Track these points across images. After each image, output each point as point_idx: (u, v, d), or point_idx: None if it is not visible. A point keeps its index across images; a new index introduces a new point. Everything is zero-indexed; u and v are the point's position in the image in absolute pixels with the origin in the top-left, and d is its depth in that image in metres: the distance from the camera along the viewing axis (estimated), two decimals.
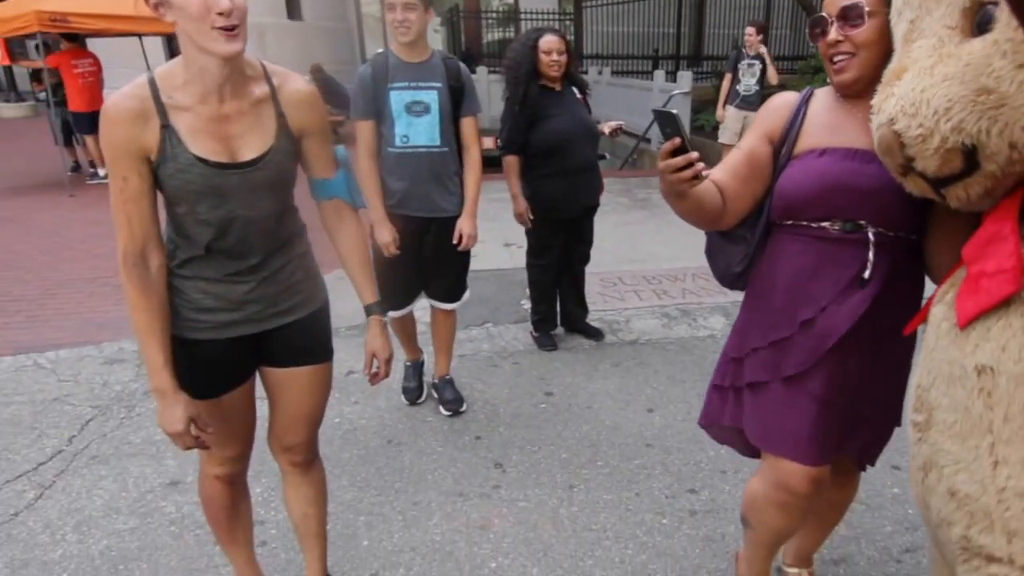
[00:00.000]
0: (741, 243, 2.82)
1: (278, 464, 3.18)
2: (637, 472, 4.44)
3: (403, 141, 4.56)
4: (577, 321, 6.65)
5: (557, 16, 23.15)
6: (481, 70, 18.91)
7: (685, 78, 14.97)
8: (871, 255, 2.53)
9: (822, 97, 2.70)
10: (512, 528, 3.95)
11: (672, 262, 8.42)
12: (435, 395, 5.38)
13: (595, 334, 6.57)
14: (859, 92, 2.50)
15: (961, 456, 1.91)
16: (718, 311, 6.99)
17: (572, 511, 4.09)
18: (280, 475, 3.20)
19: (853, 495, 3.20)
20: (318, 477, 3.24)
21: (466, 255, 5.12)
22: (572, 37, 23.63)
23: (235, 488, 3.13)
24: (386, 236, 4.49)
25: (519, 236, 9.65)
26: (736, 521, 3.88)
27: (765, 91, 11.49)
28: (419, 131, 4.59)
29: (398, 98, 4.52)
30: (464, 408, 5.22)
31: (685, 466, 4.48)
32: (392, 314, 4.86)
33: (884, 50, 2.36)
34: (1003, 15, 1.70)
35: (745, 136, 2.77)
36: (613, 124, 6.19)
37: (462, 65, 4.89)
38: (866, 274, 2.54)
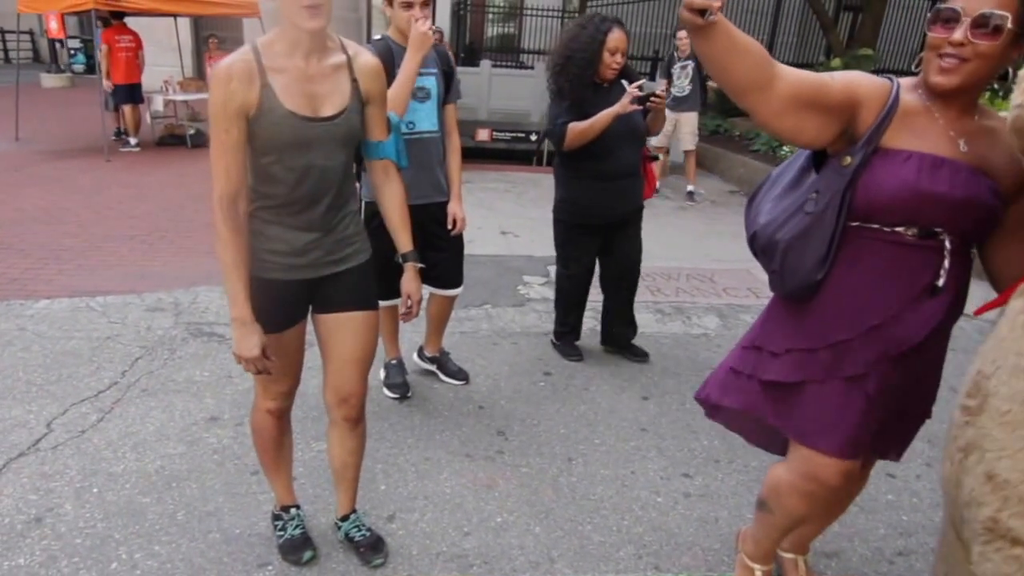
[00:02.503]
0: (820, 250, 2.61)
1: (331, 417, 3.45)
2: (633, 453, 4.63)
3: (409, 127, 4.48)
4: (621, 339, 6.03)
5: (561, 13, 23.16)
6: (484, 63, 18.97)
7: None
8: (947, 263, 2.53)
9: (906, 92, 2.55)
10: (516, 490, 4.16)
11: (667, 261, 8.53)
12: (431, 368, 5.50)
13: (641, 355, 5.97)
14: (949, 95, 2.46)
15: (1007, 444, 1.97)
16: (712, 311, 7.17)
17: (571, 480, 4.29)
18: (304, 422, 3.39)
19: (863, 487, 3.30)
20: (362, 432, 3.52)
21: (461, 238, 5.07)
22: None
23: (282, 422, 3.48)
24: None
25: (515, 225, 9.91)
26: (730, 507, 4.09)
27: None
28: (422, 117, 4.59)
29: None
30: (469, 379, 5.44)
31: (679, 452, 4.66)
32: (387, 303, 4.64)
33: (995, 67, 2.36)
34: None
35: (833, 74, 2.58)
36: (635, 91, 5.07)
37: (448, 52, 4.90)
38: (940, 282, 2.54)
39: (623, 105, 4.99)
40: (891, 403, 2.76)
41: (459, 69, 5.03)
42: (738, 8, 22.30)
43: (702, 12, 2.20)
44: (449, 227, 4.87)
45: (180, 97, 15.65)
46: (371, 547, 3.55)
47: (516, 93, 18.67)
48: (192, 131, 15.12)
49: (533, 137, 17.03)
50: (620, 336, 6.00)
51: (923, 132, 2.48)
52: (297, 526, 3.57)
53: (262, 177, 2.96)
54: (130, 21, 14.56)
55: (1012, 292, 2.20)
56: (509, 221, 10.15)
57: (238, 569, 3.45)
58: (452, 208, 4.85)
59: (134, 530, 3.65)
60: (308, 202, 3.03)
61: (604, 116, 5.04)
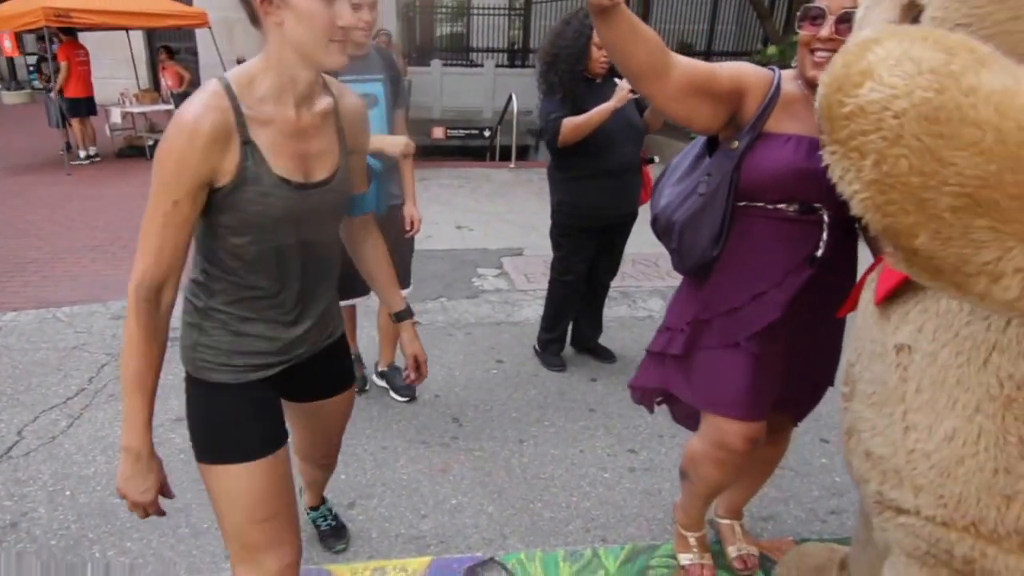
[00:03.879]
0: (713, 228, 2.74)
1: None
2: (581, 432, 4.76)
3: None
4: (589, 341, 5.93)
5: (507, 11, 23.22)
6: (435, 63, 19.07)
7: None
8: (825, 235, 2.65)
9: (787, 81, 2.69)
10: (469, 472, 4.28)
11: None
12: (382, 384, 5.30)
13: (607, 356, 5.88)
14: None
15: (876, 423, 2.06)
16: (656, 294, 7.31)
17: (523, 461, 4.42)
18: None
19: (782, 453, 3.43)
20: (335, 461, 3.28)
21: (412, 240, 4.94)
22: (520, 32, 23.76)
23: None
24: None
25: (470, 219, 10.01)
26: (672, 478, 4.20)
27: None
28: (372, 124, 4.15)
29: None
30: (417, 395, 5.22)
31: (625, 429, 4.80)
32: (346, 303, 4.48)
33: None
34: (927, 13, 1.79)
35: (723, 64, 2.68)
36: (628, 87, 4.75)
37: (394, 56, 4.75)
38: (819, 252, 2.66)
39: (619, 98, 4.76)
40: (788, 367, 2.89)
41: (411, 69, 4.84)
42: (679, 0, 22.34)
43: None
44: (407, 229, 4.80)
45: (137, 109, 15.66)
46: (333, 535, 3.63)
47: (468, 91, 18.84)
48: (151, 142, 15.04)
49: (486, 133, 17.18)
50: (586, 338, 5.93)
51: (802, 117, 2.61)
52: None
53: (233, 261, 2.22)
54: (84, 35, 14.59)
55: (861, 288, 2.32)
56: (464, 216, 10.28)
57: (207, 561, 3.54)
58: (408, 211, 4.77)
59: (106, 529, 3.73)
60: (295, 287, 2.35)
61: (602, 111, 4.78)
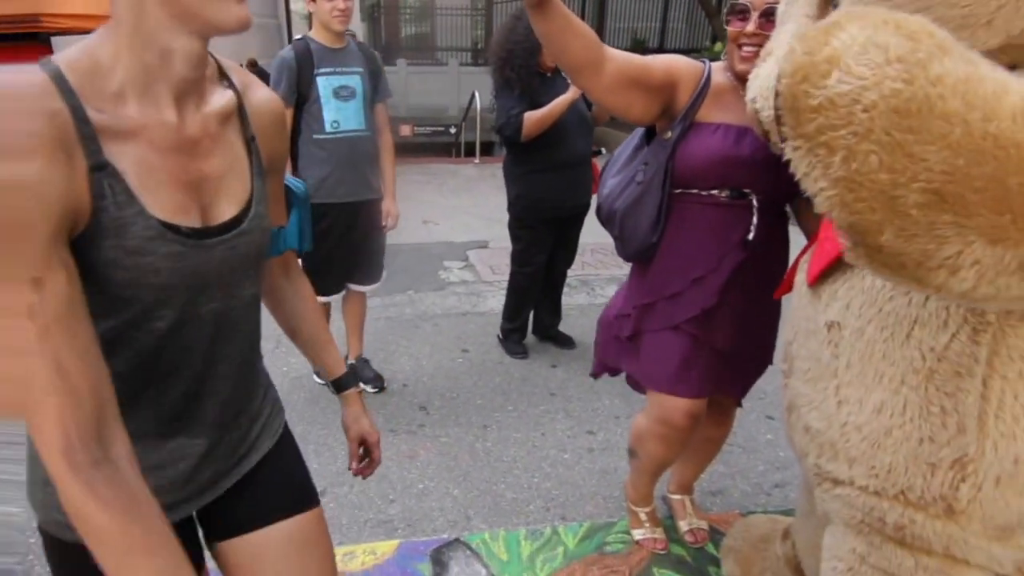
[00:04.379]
0: (651, 215, 2.79)
1: None
2: (542, 416, 4.80)
3: (333, 127, 4.35)
4: (550, 329, 5.96)
5: (469, 12, 23.20)
6: (400, 62, 19.04)
7: None
8: (755, 219, 2.71)
9: (717, 73, 2.74)
10: (436, 458, 4.30)
11: None
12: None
13: (567, 342, 5.91)
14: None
15: (813, 398, 2.07)
16: (613, 282, 7.34)
17: (487, 446, 4.45)
18: None
19: (727, 432, 3.48)
20: None
21: (385, 235, 4.99)
22: (482, 31, 23.75)
23: None
24: None
25: (435, 214, 10.00)
26: (627, 458, 4.26)
27: None
28: (348, 116, 4.41)
29: (325, 83, 4.31)
30: (386, 385, 5.20)
31: (584, 412, 4.85)
32: (320, 299, 4.55)
33: None
34: (843, 4, 1.80)
35: (656, 57, 2.71)
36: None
37: (374, 51, 4.74)
38: (750, 236, 2.72)
39: (576, 89, 4.71)
40: (726, 347, 2.92)
41: None
42: None
43: None
44: (383, 224, 4.82)
45: None
46: None
47: (433, 89, 18.84)
48: None
49: (452, 130, 17.20)
50: (546, 326, 5.96)
51: (731, 107, 2.66)
52: None
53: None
54: (64, 41, 14.42)
55: (795, 271, 2.33)
56: (431, 211, 10.28)
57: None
58: (386, 205, 4.80)
59: None
60: (193, 383, 1.52)
61: (561, 103, 4.78)
